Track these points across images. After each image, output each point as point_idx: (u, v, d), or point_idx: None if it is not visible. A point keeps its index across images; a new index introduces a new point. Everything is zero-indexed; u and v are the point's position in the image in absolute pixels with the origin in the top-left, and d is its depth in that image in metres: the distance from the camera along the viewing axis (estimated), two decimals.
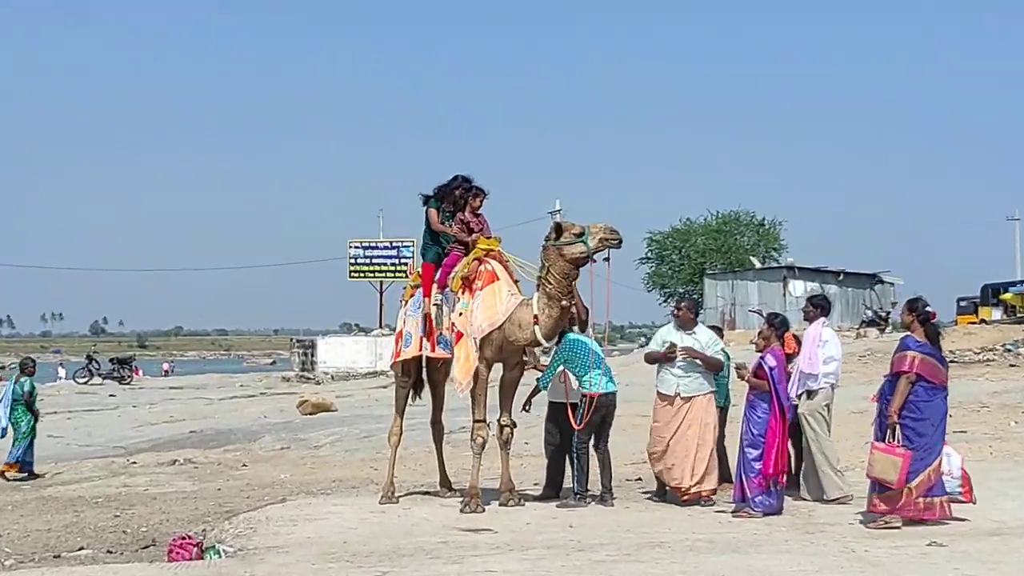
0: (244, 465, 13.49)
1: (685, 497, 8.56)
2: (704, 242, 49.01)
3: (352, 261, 48.69)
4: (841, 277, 41.48)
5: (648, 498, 8.99)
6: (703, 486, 8.58)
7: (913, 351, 7.52)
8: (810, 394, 8.69)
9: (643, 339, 42.76)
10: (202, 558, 7.03)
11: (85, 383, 38.61)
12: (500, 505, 8.62)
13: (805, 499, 8.62)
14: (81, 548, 7.98)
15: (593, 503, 8.63)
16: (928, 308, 7.70)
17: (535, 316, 8.34)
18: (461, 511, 8.39)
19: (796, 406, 8.69)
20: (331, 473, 12.39)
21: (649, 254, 50.16)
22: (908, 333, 7.75)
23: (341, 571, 6.33)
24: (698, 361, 8.66)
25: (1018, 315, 33.89)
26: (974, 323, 32.43)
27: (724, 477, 8.91)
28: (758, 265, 44.57)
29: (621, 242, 8.32)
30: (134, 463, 13.84)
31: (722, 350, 8.86)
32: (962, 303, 37.76)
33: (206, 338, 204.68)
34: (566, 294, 8.32)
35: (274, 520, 8.13)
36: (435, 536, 7.46)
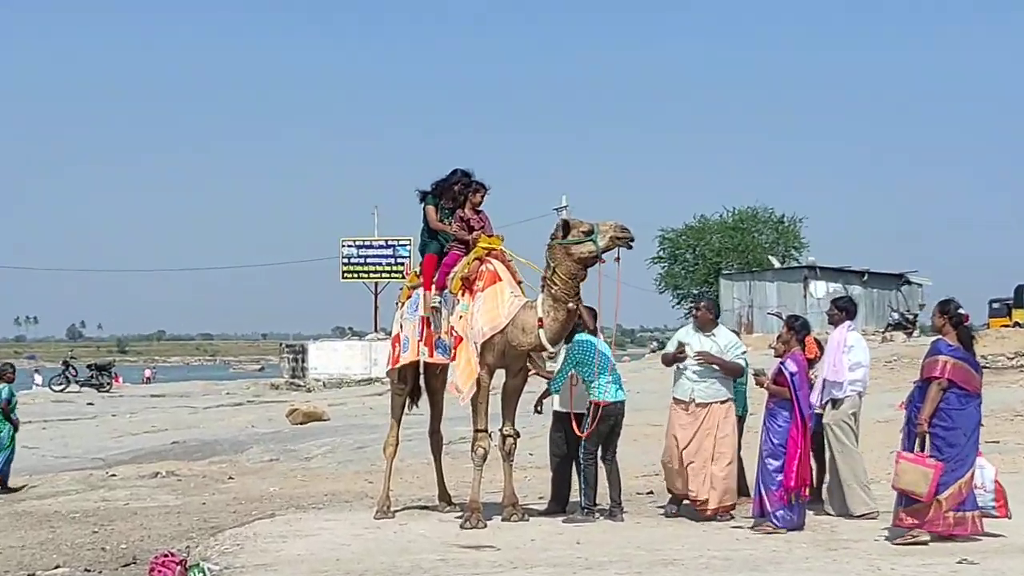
0: (230, 478, 13.49)
1: (708, 511, 8.53)
2: (720, 240, 49.01)
3: (345, 261, 48.67)
4: (865, 277, 41.45)
5: (662, 513, 8.96)
6: (722, 501, 8.55)
7: (945, 355, 7.50)
8: (835, 403, 8.66)
9: (655, 343, 42.72)
10: None
11: (61, 391, 38.61)
12: (503, 520, 8.61)
13: (829, 514, 8.61)
14: (57, 566, 7.98)
15: (601, 518, 8.62)
16: (961, 310, 7.69)
17: (539, 319, 8.34)
18: (461, 527, 8.38)
19: (819, 415, 8.68)
20: (323, 486, 12.39)
21: (661, 253, 50.20)
22: (939, 336, 7.73)
23: None
24: (714, 365, 8.63)
25: None
26: (1007, 326, 32.34)
27: (741, 491, 8.89)
28: (777, 265, 44.55)
29: (632, 241, 8.32)
30: (113, 476, 13.85)
31: (743, 354, 8.80)
32: (995, 305, 37.69)
33: (190, 343, 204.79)
34: (573, 296, 8.31)
35: (262, 536, 8.13)
36: (433, 553, 7.45)
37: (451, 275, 8.83)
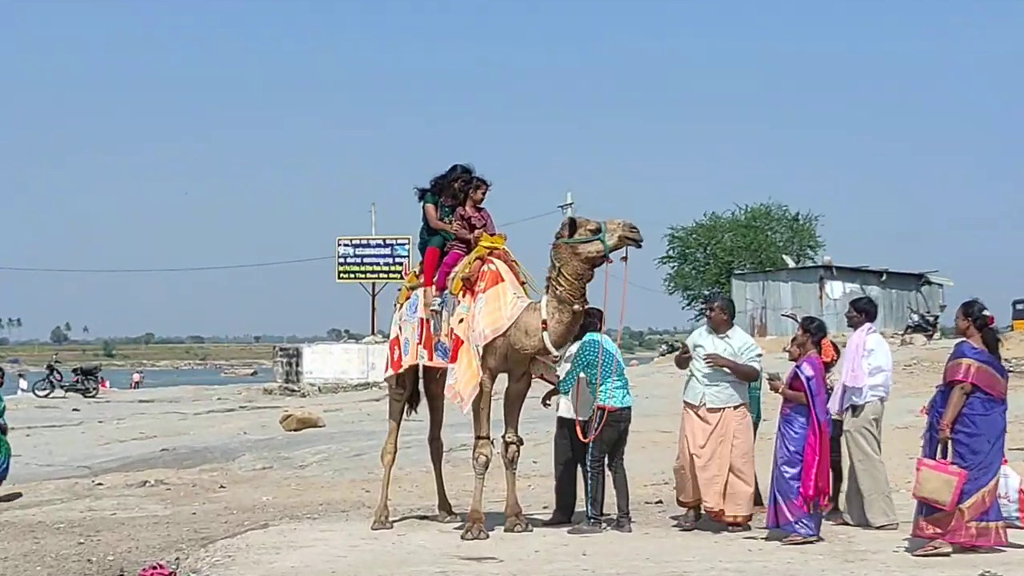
0: (222, 487, 13.48)
1: (723, 519, 8.50)
2: (731, 239, 48.94)
3: (341, 260, 48.63)
4: (884, 278, 41.38)
5: (675, 525, 8.92)
6: (737, 511, 8.52)
7: (969, 358, 7.50)
8: (855, 409, 8.64)
9: (664, 346, 42.67)
10: None
11: (46, 396, 38.62)
12: (505, 531, 8.61)
13: (847, 523, 8.60)
14: None
15: (608, 528, 8.62)
16: (985, 312, 7.68)
17: (544, 321, 8.33)
18: (462, 537, 8.38)
19: (837, 421, 8.66)
20: (318, 495, 12.38)
21: (671, 252, 50.11)
22: (963, 339, 7.72)
23: None
24: (726, 369, 8.59)
25: None
26: None
27: (755, 499, 8.87)
28: (792, 264, 44.47)
29: (642, 242, 8.31)
30: (100, 485, 13.83)
31: (758, 357, 8.75)
32: (1019, 306, 37.65)
33: (179, 346, 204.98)
34: (578, 297, 8.30)
35: (255, 547, 8.12)
36: (433, 565, 7.45)
37: (452, 275, 8.83)
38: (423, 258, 9.14)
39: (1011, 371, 16.07)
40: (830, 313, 36.55)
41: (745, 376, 8.63)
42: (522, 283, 8.84)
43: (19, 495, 12.75)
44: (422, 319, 8.94)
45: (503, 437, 8.80)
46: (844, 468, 8.91)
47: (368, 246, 48.73)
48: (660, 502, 10.39)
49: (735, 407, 8.61)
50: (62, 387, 40.17)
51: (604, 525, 8.63)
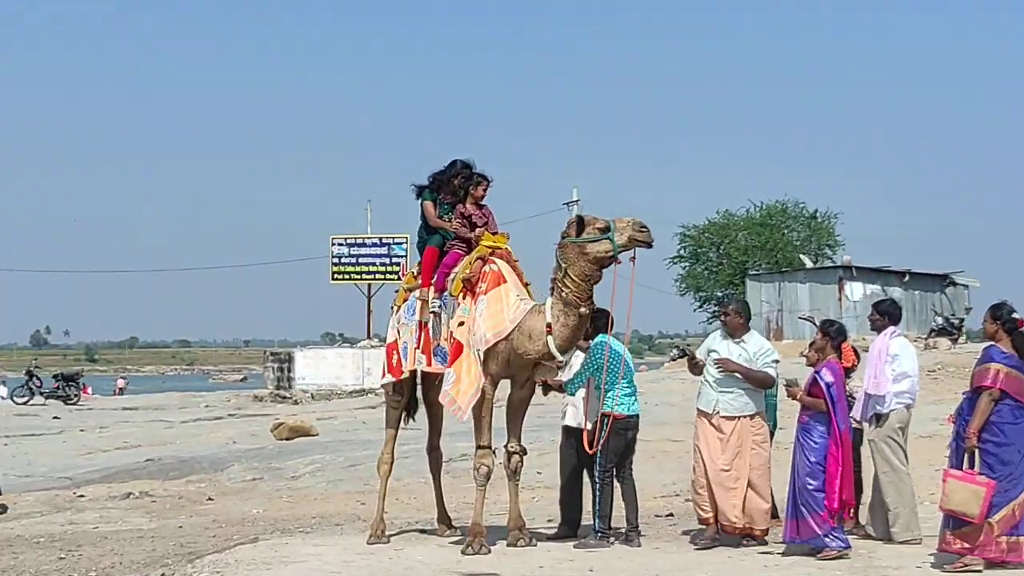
0: (210, 499, 13.49)
1: (737, 532, 8.45)
2: (746, 238, 48.94)
3: (335, 260, 48.66)
4: (906, 278, 41.37)
5: (691, 541, 8.87)
6: (754, 524, 8.48)
7: (998, 363, 7.48)
8: (879, 418, 8.60)
9: (675, 351, 42.57)
10: None
11: (25, 403, 38.64)
12: (508, 545, 8.60)
13: (871, 536, 8.57)
14: None
15: (617, 543, 8.60)
16: (1015, 315, 7.67)
17: (548, 325, 8.31)
18: (463, 552, 8.38)
19: (858, 429, 8.64)
20: (311, 508, 12.38)
21: (682, 252, 50.13)
22: (991, 343, 7.71)
23: None
24: (737, 374, 8.53)
25: None
26: None
27: (771, 512, 8.85)
28: (809, 264, 44.48)
29: (652, 241, 8.29)
30: (82, 496, 13.84)
31: (775, 362, 8.70)
32: None
33: (165, 350, 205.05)
34: (585, 300, 8.28)
35: (244, 563, 8.11)
36: None
37: (451, 276, 8.82)
38: (421, 258, 9.13)
39: None
40: (850, 316, 36.54)
41: (759, 383, 8.54)
42: (525, 284, 8.83)
43: (4, 508, 12.75)
44: (420, 322, 8.93)
45: (506, 447, 8.79)
46: (866, 479, 8.88)
47: (364, 245, 48.76)
48: (671, 515, 10.38)
49: (750, 416, 8.52)
50: (42, 394, 40.18)
51: (612, 539, 8.62)
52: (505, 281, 8.62)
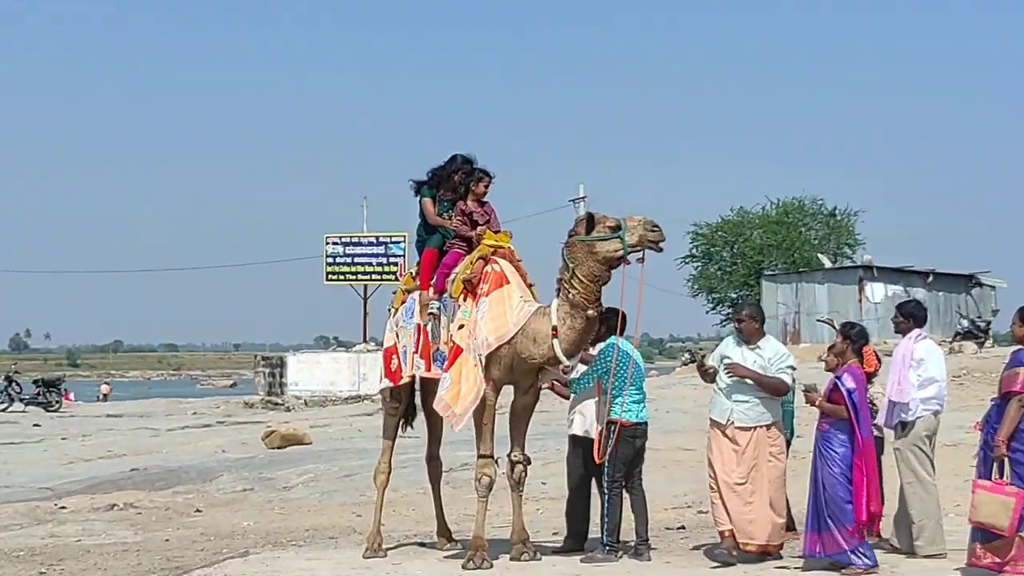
0: (198, 510, 13.50)
1: (754, 550, 8.39)
2: (761, 236, 48.91)
3: (329, 260, 48.67)
4: (930, 279, 41.33)
5: (703, 553, 8.85)
6: (770, 539, 8.45)
7: None
8: (904, 426, 8.58)
9: (686, 355, 42.56)
10: None
11: (4, 410, 38.65)
12: (511, 560, 8.60)
13: (896, 548, 8.55)
14: None
15: (626, 557, 8.60)
16: None
17: (554, 328, 8.31)
18: (463, 567, 8.38)
19: (878, 437, 8.62)
20: (304, 520, 12.39)
21: (694, 251, 50.11)
22: (1020, 347, 7.70)
23: None
24: (748, 381, 8.49)
25: None
26: None
27: (787, 525, 8.83)
28: (828, 264, 44.46)
29: (663, 242, 8.29)
30: (63, 508, 13.85)
31: (789, 368, 8.66)
32: None
33: (151, 355, 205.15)
34: (593, 301, 8.27)
35: None
36: None
37: (451, 277, 8.82)
38: (420, 258, 9.13)
39: None
40: (870, 318, 36.48)
41: (773, 390, 8.47)
42: (529, 285, 8.83)
43: None
44: (419, 325, 8.93)
45: (509, 456, 8.79)
46: (889, 489, 8.86)
47: (359, 244, 48.76)
48: (683, 527, 10.37)
49: (767, 426, 8.48)
50: (22, 400, 40.17)
51: (621, 553, 8.61)
52: (508, 282, 8.61)
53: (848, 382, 8.13)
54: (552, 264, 8.59)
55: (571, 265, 8.30)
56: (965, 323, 35.74)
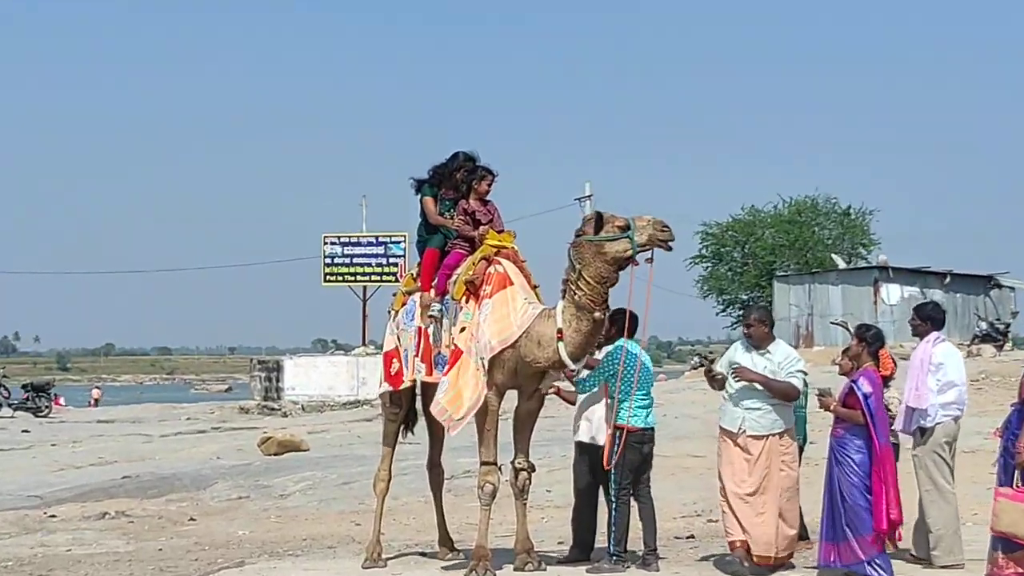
0: (191, 519, 13.51)
1: (768, 563, 8.37)
2: (773, 236, 48.90)
3: (327, 261, 48.67)
4: (947, 280, 41.33)
5: (713, 563, 8.84)
6: (782, 549, 8.41)
7: None
8: (923, 432, 8.57)
9: (696, 358, 42.52)
10: None
11: None
12: (515, 570, 8.61)
13: (915, 557, 8.54)
14: None
15: (633, 567, 8.60)
16: None
17: (559, 331, 8.31)
18: None
19: (895, 444, 8.62)
20: (301, 529, 12.40)
21: (703, 251, 50.10)
22: None
23: None
24: (758, 386, 8.47)
25: None
26: None
27: (800, 534, 8.83)
28: (842, 265, 44.44)
29: (672, 242, 8.28)
30: (53, 517, 13.87)
31: (800, 372, 8.64)
32: None
33: (144, 358, 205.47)
34: (600, 304, 8.26)
35: None
36: None
37: (453, 278, 8.82)
38: (421, 259, 9.13)
39: None
40: (886, 320, 36.45)
41: (782, 395, 8.45)
42: (534, 287, 8.83)
43: None
44: (420, 328, 8.93)
45: (512, 463, 8.79)
46: (906, 497, 8.86)
47: (358, 244, 48.76)
48: (692, 536, 10.37)
49: (779, 434, 8.46)
50: (10, 405, 40.20)
51: (628, 563, 8.61)
52: (512, 283, 8.61)
53: (864, 386, 8.10)
54: (557, 265, 8.59)
55: (578, 266, 8.29)
56: (984, 326, 35.73)
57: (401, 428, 9.54)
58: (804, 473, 9.02)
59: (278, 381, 44.26)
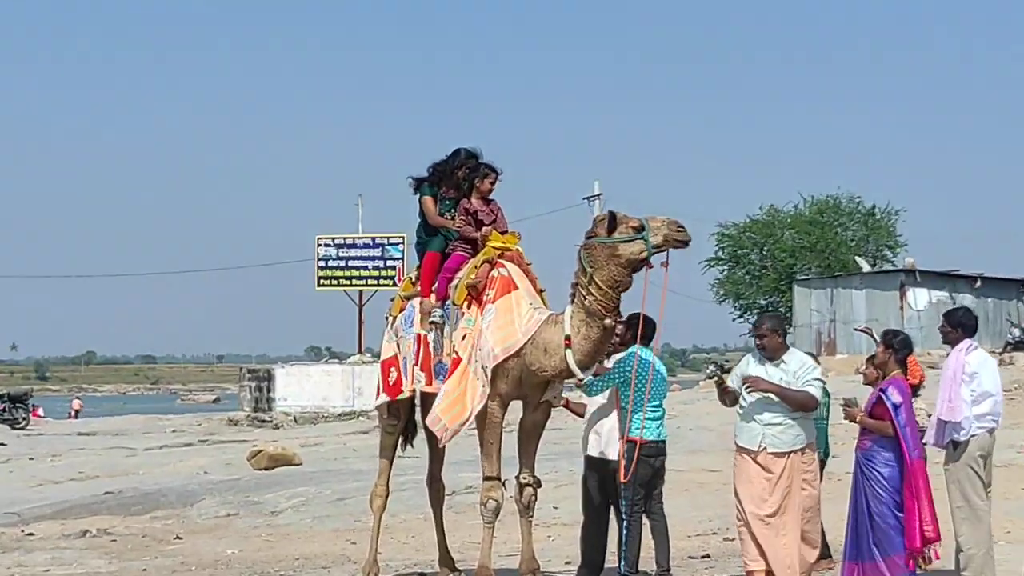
0: (178, 537, 13.51)
1: None
2: (794, 237, 48.95)
3: (321, 263, 48.78)
4: (978, 284, 41.32)
5: None
6: (803, 571, 8.39)
7: None
8: (956, 446, 8.54)
9: (711, 367, 42.52)
10: None
11: None
12: None
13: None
14: None
15: None
16: None
17: (567, 337, 8.29)
18: None
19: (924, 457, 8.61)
20: (294, 548, 12.40)
21: (720, 254, 50.15)
22: None
23: None
24: (772, 396, 8.41)
25: None
26: None
27: (820, 553, 8.81)
28: (866, 268, 44.45)
29: (689, 241, 8.27)
30: (31, 535, 13.88)
31: (817, 380, 8.55)
32: None
33: (127, 367, 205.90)
34: (611, 309, 8.22)
35: None
36: None
37: (455, 282, 8.82)
38: (420, 263, 9.13)
39: None
40: (913, 327, 36.46)
41: (800, 405, 8.33)
42: (539, 291, 8.82)
43: None
44: (419, 335, 8.93)
45: (517, 478, 8.78)
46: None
47: (354, 246, 48.84)
48: (707, 556, 10.37)
49: (801, 450, 8.35)
50: None
51: None
52: (516, 287, 8.60)
53: (894, 396, 8.05)
54: (564, 268, 8.58)
55: (589, 269, 8.25)
56: (1016, 332, 35.72)
57: (399, 441, 9.54)
58: (826, 489, 9.01)
59: (269, 391, 44.31)
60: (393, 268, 46.28)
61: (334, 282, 48.86)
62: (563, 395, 9.06)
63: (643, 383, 8.54)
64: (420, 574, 9.70)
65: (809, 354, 9.08)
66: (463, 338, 8.60)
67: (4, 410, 40.95)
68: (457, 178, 9.04)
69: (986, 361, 8.74)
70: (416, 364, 8.95)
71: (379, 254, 48.14)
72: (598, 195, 43.69)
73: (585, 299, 8.24)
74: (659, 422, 8.70)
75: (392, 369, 9.22)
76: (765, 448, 8.28)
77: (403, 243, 45.43)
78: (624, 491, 8.58)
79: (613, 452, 8.73)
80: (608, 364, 8.76)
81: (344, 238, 49.08)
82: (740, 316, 49.61)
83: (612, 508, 8.96)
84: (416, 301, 9.06)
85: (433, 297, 8.88)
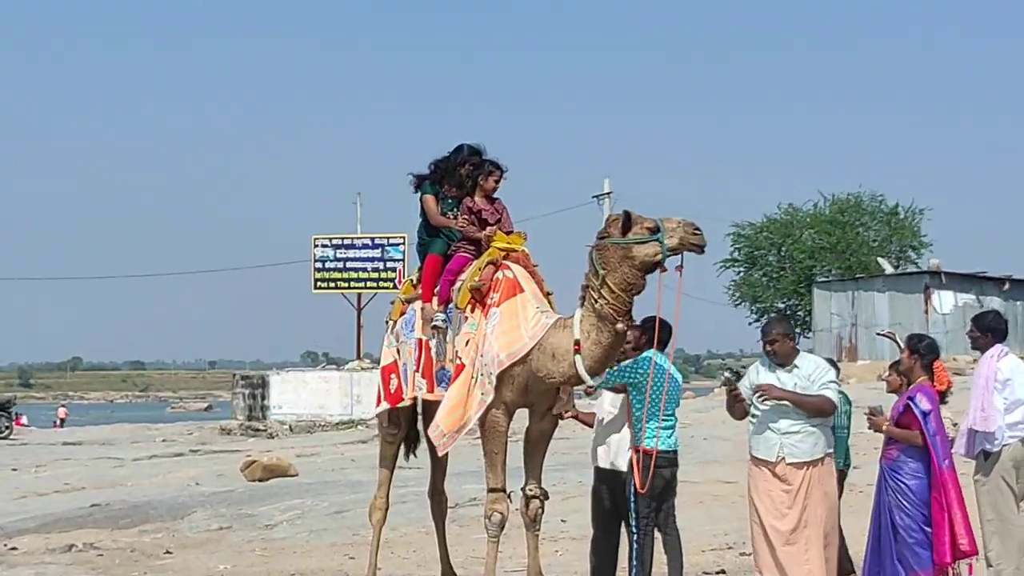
0: (168, 552, 13.52)
1: None
2: (813, 238, 48.92)
3: (318, 265, 48.79)
4: (1007, 286, 41.30)
5: None
6: None
7: None
8: (987, 456, 8.53)
9: (727, 373, 42.51)
10: None
11: None
12: None
13: None
14: None
15: None
16: None
17: (576, 342, 8.28)
18: None
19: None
20: (289, 563, 12.40)
21: (736, 255, 50.11)
22: None
23: None
24: (787, 403, 8.35)
25: None
26: None
27: (843, 568, 8.80)
28: (889, 270, 44.42)
29: (705, 245, 8.25)
30: (14, 549, 13.90)
31: (833, 383, 8.46)
32: None
33: (114, 373, 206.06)
34: (623, 314, 8.18)
35: None
36: None
37: (457, 285, 8.81)
38: (422, 265, 9.12)
39: None
40: (938, 331, 36.44)
41: (816, 410, 8.24)
42: (546, 294, 8.80)
43: None
44: (421, 340, 8.93)
45: (523, 490, 8.78)
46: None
47: (352, 247, 48.85)
48: (723, 572, 10.37)
49: (821, 460, 8.26)
50: None
51: None
52: (522, 290, 8.59)
53: (923, 403, 8.02)
54: (573, 269, 8.58)
55: (601, 271, 8.20)
56: None
57: (400, 451, 9.54)
58: (847, 501, 8.99)
59: (263, 399, 44.35)
60: (393, 270, 46.29)
61: (331, 284, 48.86)
62: (574, 406, 9.02)
63: (659, 390, 8.51)
64: None
65: (829, 360, 9.01)
66: (467, 343, 8.58)
67: None
68: (460, 176, 9.03)
69: (1019, 367, 8.70)
70: (417, 370, 8.94)
71: (379, 255, 48.13)
72: (608, 193, 43.72)
73: (596, 302, 8.20)
74: (671, 431, 8.69)
75: (392, 376, 9.22)
76: (784, 458, 8.21)
77: (404, 243, 45.45)
78: (636, 504, 8.57)
79: (623, 463, 8.71)
80: None
81: (342, 238, 49.07)
82: (756, 320, 49.51)
83: (623, 522, 8.96)
84: (417, 305, 9.06)
85: (435, 301, 8.87)
